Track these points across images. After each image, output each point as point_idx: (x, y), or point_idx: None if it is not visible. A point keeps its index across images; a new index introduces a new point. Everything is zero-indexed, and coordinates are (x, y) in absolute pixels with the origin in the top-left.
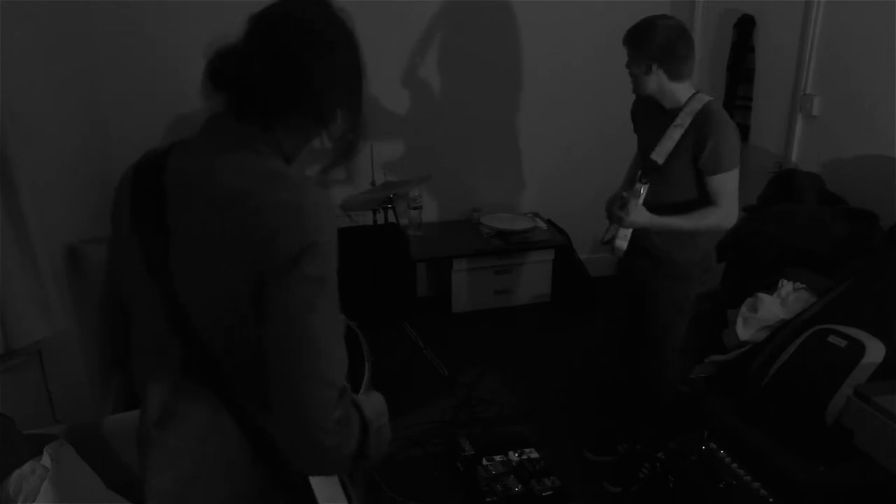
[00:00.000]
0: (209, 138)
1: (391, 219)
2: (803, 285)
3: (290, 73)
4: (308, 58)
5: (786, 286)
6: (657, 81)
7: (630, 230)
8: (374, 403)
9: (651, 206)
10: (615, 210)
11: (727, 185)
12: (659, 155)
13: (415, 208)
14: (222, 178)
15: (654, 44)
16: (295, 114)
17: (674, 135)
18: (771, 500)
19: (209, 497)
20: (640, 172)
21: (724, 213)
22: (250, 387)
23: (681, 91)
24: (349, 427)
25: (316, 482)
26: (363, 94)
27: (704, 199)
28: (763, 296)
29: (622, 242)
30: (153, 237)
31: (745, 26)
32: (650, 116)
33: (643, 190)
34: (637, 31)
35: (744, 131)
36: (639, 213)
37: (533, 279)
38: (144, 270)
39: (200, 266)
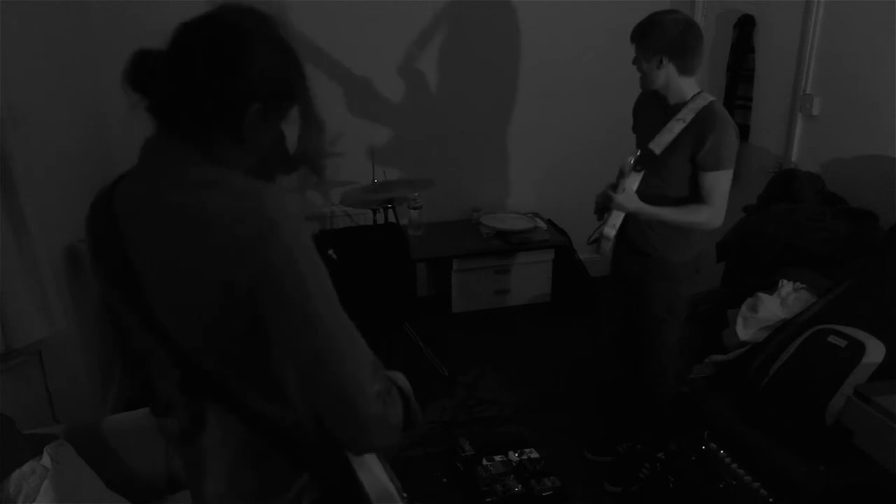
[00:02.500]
0: (148, 161)
1: (391, 219)
2: (803, 285)
3: (195, 84)
4: (217, 69)
5: (786, 286)
6: (666, 76)
7: (619, 219)
8: (402, 379)
9: (642, 199)
10: (606, 191)
11: (721, 183)
12: (657, 145)
13: (415, 208)
14: (165, 196)
15: (664, 38)
16: (210, 127)
17: (674, 128)
18: (771, 500)
19: (245, 491)
20: (633, 158)
21: (714, 212)
22: (256, 389)
23: (687, 86)
24: (391, 396)
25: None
26: (290, 102)
27: (695, 198)
28: (763, 296)
29: (610, 230)
30: (121, 273)
31: (745, 26)
32: (652, 110)
33: (637, 177)
34: (646, 26)
35: (744, 131)
36: (629, 198)
37: (533, 279)
38: (128, 305)
39: (172, 290)
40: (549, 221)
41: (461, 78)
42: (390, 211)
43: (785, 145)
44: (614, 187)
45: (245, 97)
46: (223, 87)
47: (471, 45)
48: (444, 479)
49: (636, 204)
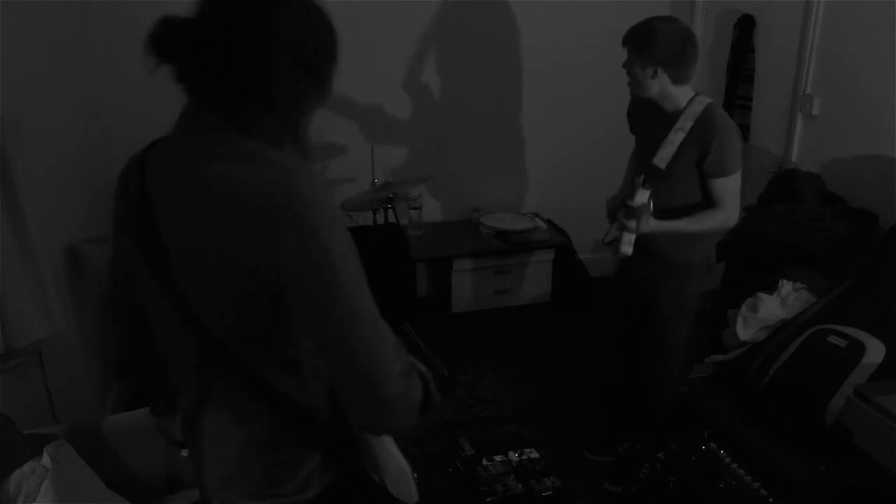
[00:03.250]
0: (182, 131)
1: (391, 219)
2: (803, 285)
3: (227, 52)
4: (240, 23)
5: (786, 286)
6: (660, 85)
7: (634, 235)
8: (419, 364)
9: (654, 209)
10: (622, 219)
11: (730, 187)
12: (661, 160)
13: (415, 208)
14: (196, 168)
15: (660, 48)
16: (242, 95)
17: (675, 139)
18: (771, 500)
19: (252, 475)
20: (642, 178)
21: (727, 215)
22: (271, 362)
23: (682, 94)
24: (412, 377)
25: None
26: (321, 64)
27: (706, 201)
28: (763, 296)
29: (627, 248)
30: (149, 243)
31: (745, 26)
32: (649, 118)
33: (648, 197)
34: (641, 34)
35: (744, 131)
36: (644, 223)
37: (533, 279)
38: (149, 274)
39: (198, 260)
40: (549, 221)
41: (461, 78)
42: (390, 211)
43: (785, 145)
44: (629, 209)
45: (276, 61)
46: (253, 53)
47: (471, 45)
48: (442, 485)
49: (653, 226)
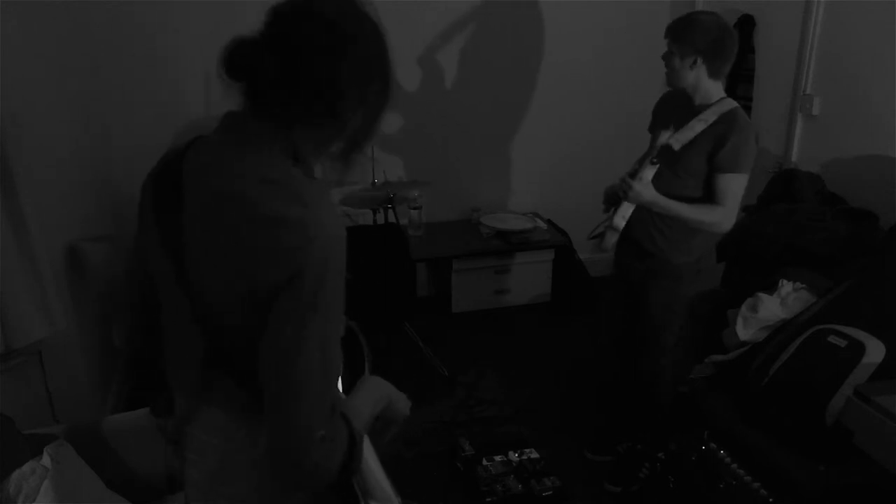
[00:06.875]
0: (224, 136)
1: (391, 219)
2: (803, 285)
3: (306, 71)
4: (326, 55)
5: (786, 286)
6: (696, 76)
7: (630, 211)
8: (366, 396)
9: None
10: (625, 178)
11: (735, 186)
12: (677, 142)
13: (415, 208)
14: (228, 181)
15: (703, 38)
16: (311, 112)
17: (696, 127)
18: (771, 500)
19: (238, 487)
20: (653, 152)
21: (726, 214)
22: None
23: (714, 89)
24: (334, 442)
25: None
26: (389, 89)
27: (708, 200)
28: (763, 296)
29: (620, 221)
30: (173, 236)
31: (745, 26)
32: (676, 107)
33: (653, 170)
34: (686, 24)
35: None
36: (645, 187)
37: (533, 279)
38: (169, 267)
39: (212, 267)
40: (549, 221)
41: (461, 78)
42: (390, 211)
43: (785, 145)
44: (632, 176)
45: (349, 83)
46: (335, 72)
47: (471, 45)
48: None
49: (651, 194)
